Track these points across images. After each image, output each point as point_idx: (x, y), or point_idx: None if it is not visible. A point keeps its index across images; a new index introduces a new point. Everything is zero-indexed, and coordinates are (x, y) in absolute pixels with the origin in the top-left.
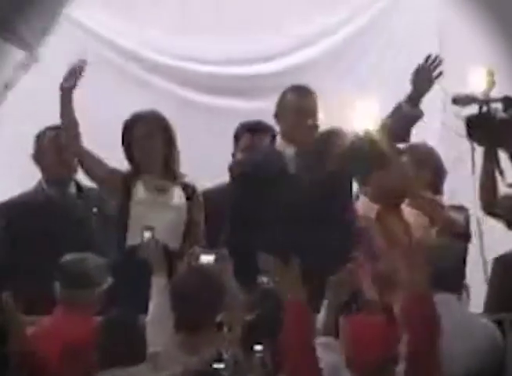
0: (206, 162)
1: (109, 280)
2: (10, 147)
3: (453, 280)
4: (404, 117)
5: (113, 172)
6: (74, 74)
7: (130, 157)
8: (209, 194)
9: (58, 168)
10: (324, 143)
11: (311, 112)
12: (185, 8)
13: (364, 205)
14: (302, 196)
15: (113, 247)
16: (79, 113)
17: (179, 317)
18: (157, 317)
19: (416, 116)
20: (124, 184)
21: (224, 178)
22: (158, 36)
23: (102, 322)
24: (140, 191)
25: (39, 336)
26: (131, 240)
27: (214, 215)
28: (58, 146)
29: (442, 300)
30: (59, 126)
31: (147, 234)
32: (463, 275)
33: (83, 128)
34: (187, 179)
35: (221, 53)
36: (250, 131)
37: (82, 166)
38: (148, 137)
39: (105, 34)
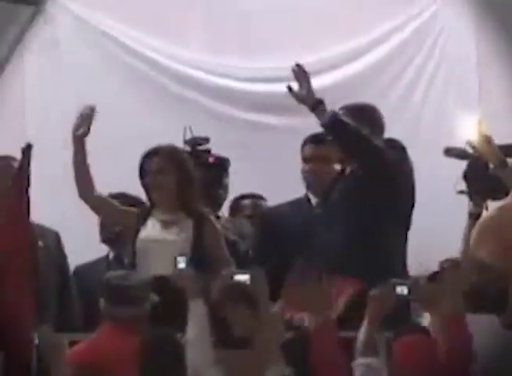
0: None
1: (155, 298)
2: None
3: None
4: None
5: (127, 213)
6: (86, 121)
7: (146, 190)
8: (270, 213)
9: None
10: None
11: None
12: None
13: None
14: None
15: None
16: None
17: (220, 337)
18: (197, 341)
19: (330, 119)
20: (138, 221)
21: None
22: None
23: (144, 340)
24: (148, 227)
25: (83, 353)
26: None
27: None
28: None
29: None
30: None
31: (182, 264)
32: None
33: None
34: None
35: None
36: (314, 142)
37: (97, 214)
38: (159, 172)
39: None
